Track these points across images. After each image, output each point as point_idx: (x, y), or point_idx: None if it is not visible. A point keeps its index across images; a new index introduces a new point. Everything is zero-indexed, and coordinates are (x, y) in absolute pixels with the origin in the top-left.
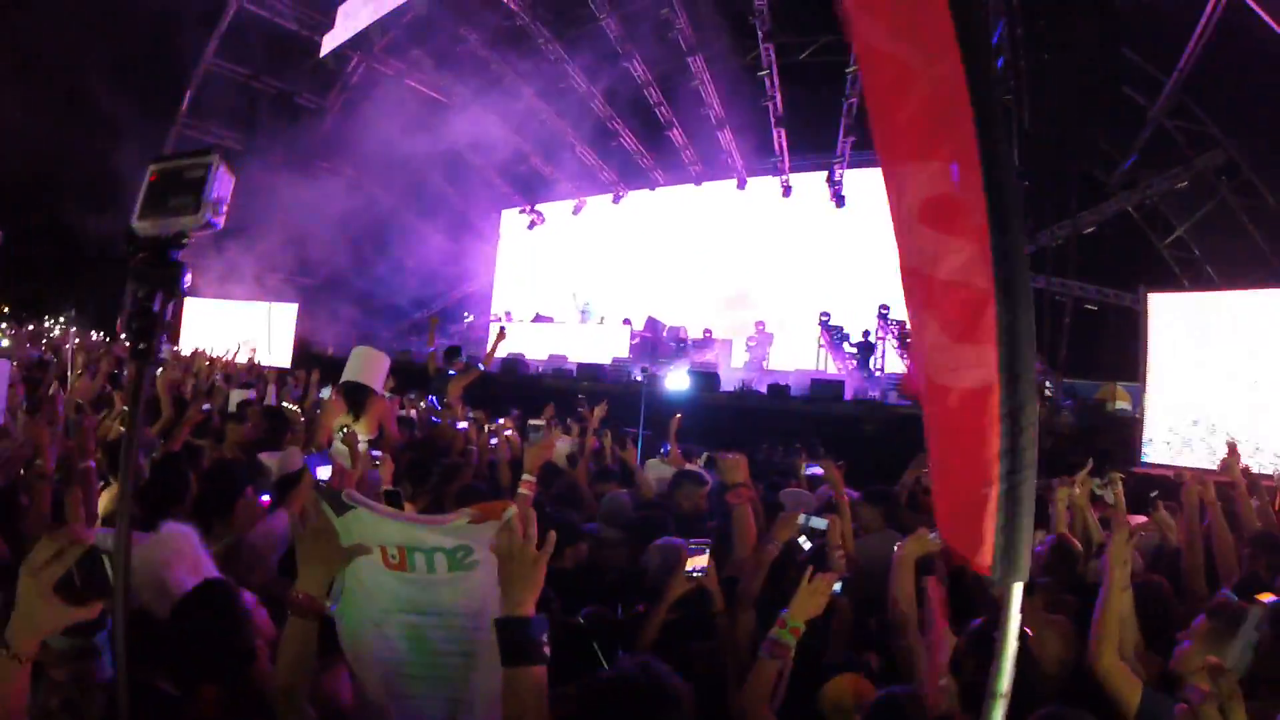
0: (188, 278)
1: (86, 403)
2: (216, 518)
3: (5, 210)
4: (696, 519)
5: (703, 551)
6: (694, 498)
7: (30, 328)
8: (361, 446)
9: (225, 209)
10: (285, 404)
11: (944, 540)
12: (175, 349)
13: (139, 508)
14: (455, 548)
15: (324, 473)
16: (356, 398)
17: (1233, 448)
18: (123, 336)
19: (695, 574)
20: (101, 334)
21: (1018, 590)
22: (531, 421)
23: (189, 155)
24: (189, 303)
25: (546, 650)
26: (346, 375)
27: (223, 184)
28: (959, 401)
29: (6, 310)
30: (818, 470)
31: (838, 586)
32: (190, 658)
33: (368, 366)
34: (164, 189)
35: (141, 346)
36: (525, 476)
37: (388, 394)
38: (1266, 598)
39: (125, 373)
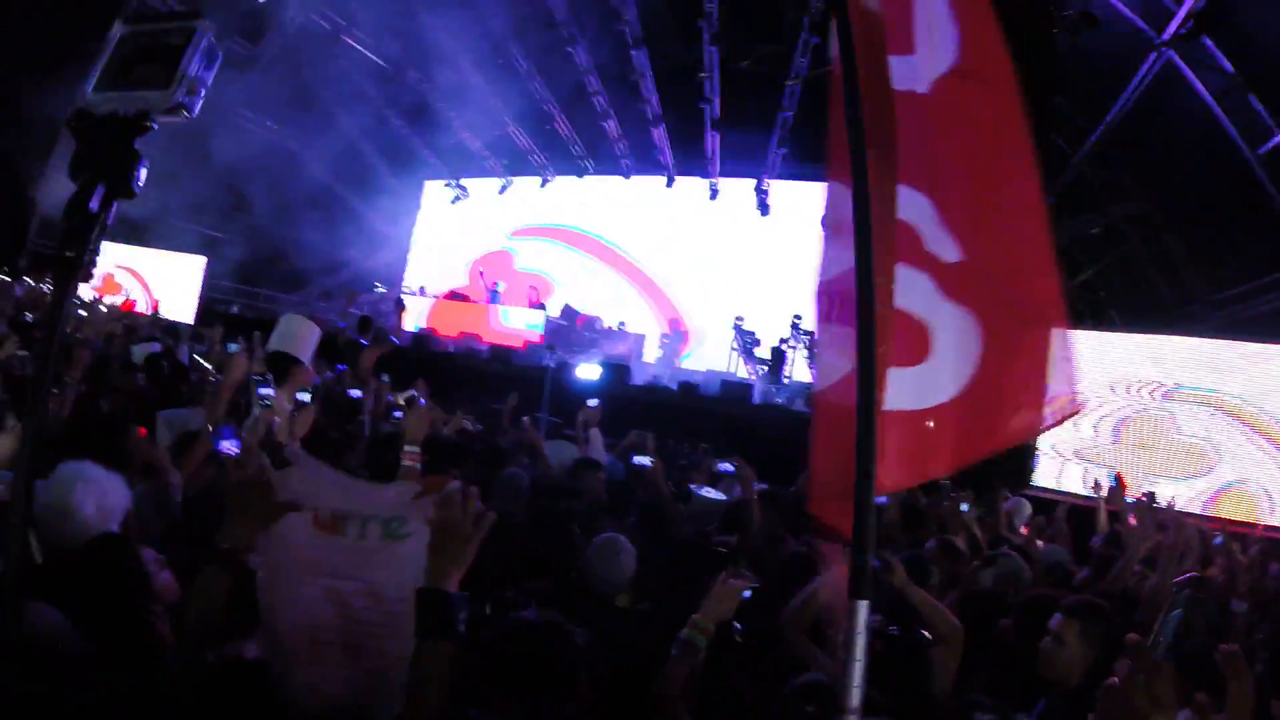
0: (142, 172)
1: None
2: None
3: None
4: (598, 506)
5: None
6: (595, 484)
7: None
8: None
9: (203, 92)
10: (199, 359)
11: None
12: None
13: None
14: (391, 518)
15: (229, 447)
16: (282, 367)
17: (1120, 478)
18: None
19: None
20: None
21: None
22: (408, 393)
23: (173, 17)
24: None
25: (461, 628)
26: (273, 343)
27: (204, 59)
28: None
29: None
30: (728, 467)
31: (747, 593)
32: (85, 610)
33: (297, 336)
34: (132, 56)
35: (69, 254)
36: (408, 448)
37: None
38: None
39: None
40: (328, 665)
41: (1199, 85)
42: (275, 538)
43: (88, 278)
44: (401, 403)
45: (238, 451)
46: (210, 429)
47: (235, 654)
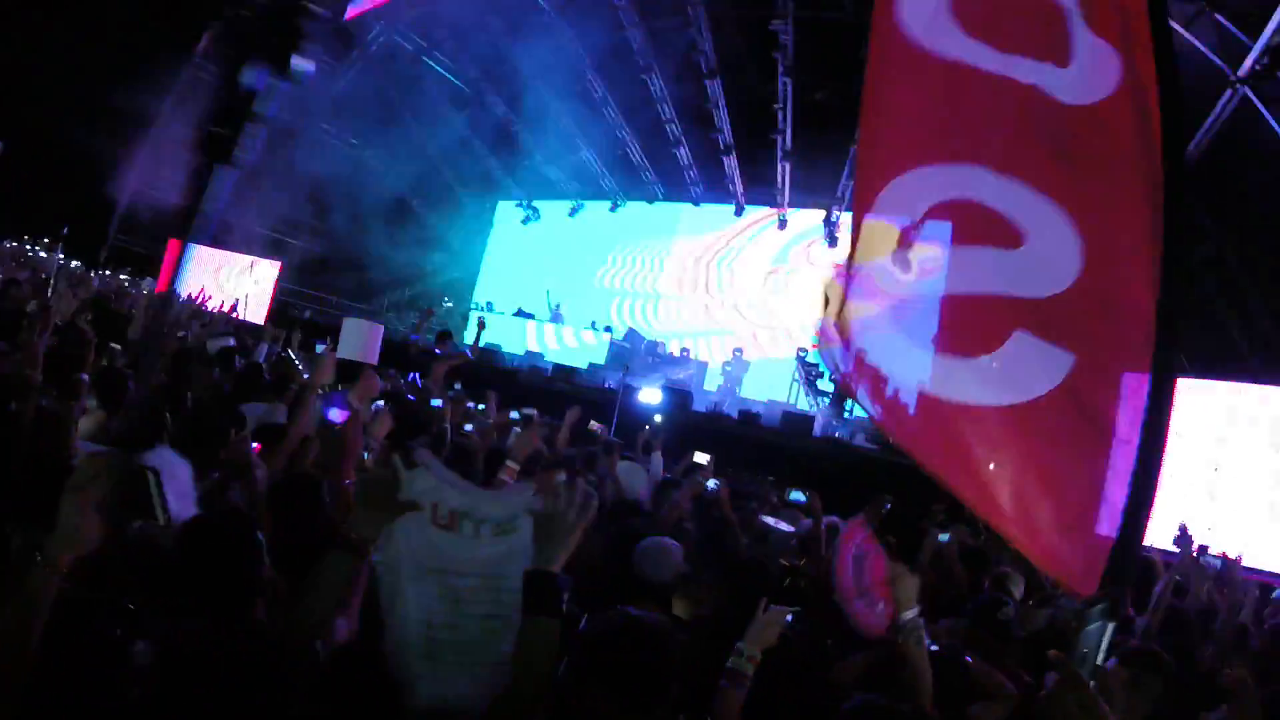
0: (306, 63)
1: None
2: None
3: (6, 123)
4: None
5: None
6: (682, 500)
7: (11, 245)
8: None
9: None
10: (289, 351)
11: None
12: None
13: (123, 438)
14: (505, 517)
15: (337, 415)
16: (350, 372)
17: (1184, 529)
18: (106, 272)
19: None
20: (81, 264)
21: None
22: (524, 410)
23: None
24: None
25: (564, 607)
26: (341, 351)
27: None
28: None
29: None
30: (800, 497)
31: (789, 617)
32: (195, 586)
33: (360, 340)
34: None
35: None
36: (509, 464)
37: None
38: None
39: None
40: (447, 664)
41: (1275, 123)
42: (396, 534)
43: None
44: (478, 415)
45: (345, 419)
46: (320, 391)
47: (338, 640)
